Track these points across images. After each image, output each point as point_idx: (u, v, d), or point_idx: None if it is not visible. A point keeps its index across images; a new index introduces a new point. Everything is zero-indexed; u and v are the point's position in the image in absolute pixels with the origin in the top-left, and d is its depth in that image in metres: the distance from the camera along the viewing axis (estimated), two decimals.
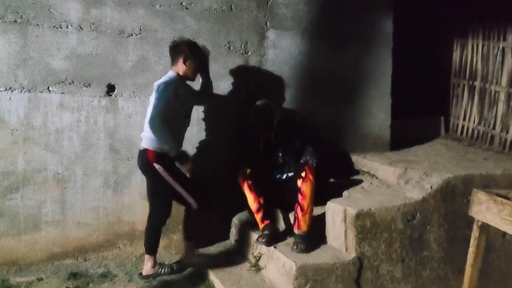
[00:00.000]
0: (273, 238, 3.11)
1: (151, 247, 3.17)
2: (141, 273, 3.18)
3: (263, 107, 3.38)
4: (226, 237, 3.65)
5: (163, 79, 3.05)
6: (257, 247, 3.19)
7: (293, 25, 3.68)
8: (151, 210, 3.17)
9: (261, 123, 3.37)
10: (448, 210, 3.08)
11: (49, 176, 3.26)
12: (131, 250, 3.45)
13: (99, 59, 3.28)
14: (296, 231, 3.04)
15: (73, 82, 3.25)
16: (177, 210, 3.35)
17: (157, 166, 2.99)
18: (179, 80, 3.09)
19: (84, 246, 3.35)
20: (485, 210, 2.30)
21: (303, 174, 3.07)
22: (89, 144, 3.32)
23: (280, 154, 3.40)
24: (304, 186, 3.04)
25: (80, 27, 3.24)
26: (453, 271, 3.06)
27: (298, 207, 3.05)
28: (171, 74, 3.10)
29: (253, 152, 3.44)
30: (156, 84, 3.02)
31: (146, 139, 3.03)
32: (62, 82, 3.23)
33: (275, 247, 3.05)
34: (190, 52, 3.10)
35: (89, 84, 3.28)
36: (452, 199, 3.09)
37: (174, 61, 3.13)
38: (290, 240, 3.11)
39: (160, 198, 3.12)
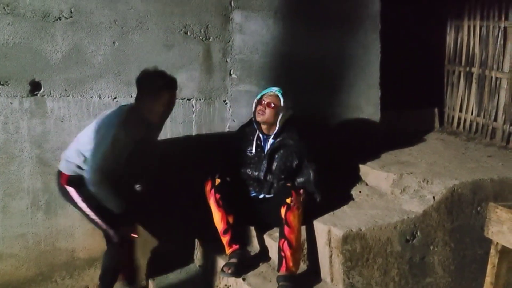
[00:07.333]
0: (241, 267, 2.51)
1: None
2: None
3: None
4: (191, 259, 3.05)
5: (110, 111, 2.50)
6: (224, 278, 2.60)
7: (263, 5, 3.09)
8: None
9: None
10: (454, 225, 2.56)
11: None
12: (71, 283, 2.84)
13: (17, 49, 2.61)
14: (282, 273, 2.39)
15: None
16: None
17: (69, 188, 2.48)
18: (131, 117, 2.43)
19: (11, 283, 2.72)
20: (508, 231, 1.87)
21: (288, 201, 2.42)
22: (10, 157, 2.67)
23: (263, 170, 2.65)
24: (291, 216, 2.40)
25: None
26: None
27: (285, 243, 2.38)
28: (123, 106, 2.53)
29: (232, 156, 2.78)
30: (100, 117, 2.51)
31: (64, 162, 2.52)
32: None
33: (243, 279, 2.47)
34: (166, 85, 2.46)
35: (6, 82, 2.62)
36: (459, 212, 2.56)
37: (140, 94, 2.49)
38: (263, 267, 2.56)
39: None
